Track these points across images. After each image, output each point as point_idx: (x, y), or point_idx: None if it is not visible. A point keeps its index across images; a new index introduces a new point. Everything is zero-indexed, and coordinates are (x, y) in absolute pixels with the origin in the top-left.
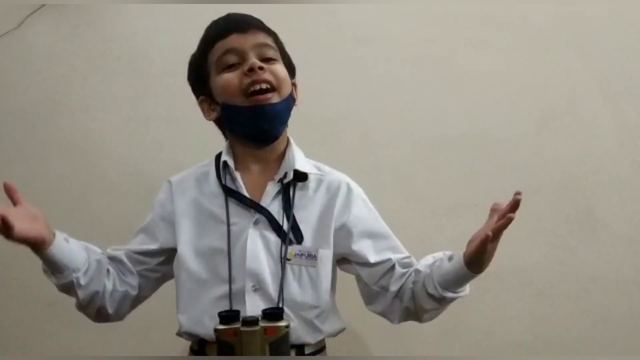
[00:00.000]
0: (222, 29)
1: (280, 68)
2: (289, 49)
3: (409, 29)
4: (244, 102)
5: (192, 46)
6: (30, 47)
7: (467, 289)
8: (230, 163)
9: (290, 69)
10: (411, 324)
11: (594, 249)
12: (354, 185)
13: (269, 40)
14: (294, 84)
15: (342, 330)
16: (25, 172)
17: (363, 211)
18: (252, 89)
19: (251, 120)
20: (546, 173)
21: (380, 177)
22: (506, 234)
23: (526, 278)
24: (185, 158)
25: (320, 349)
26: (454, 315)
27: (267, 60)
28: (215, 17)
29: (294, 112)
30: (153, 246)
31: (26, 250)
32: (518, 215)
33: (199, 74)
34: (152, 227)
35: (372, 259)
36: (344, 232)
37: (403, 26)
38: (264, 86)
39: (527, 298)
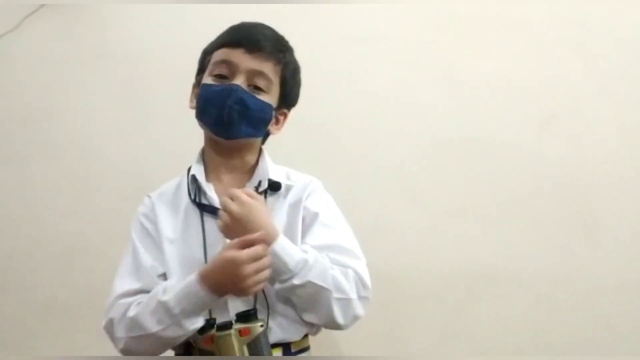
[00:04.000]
0: (236, 38)
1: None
2: None
3: (409, 30)
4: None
5: (191, 47)
6: (28, 48)
7: None
8: (200, 176)
9: (288, 98)
10: (409, 326)
11: (595, 252)
12: (319, 183)
13: (269, 71)
14: (284, 114)
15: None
16: (22, 173)
17: (322, 206)
18: None
19: (219, 100)
20: (547, 176)
21: (381, 180)
22: (506, 235)
23: (526, 281)
24: (183, 160)
25: (304, 348)
26: (452, 318)
27: (256, 88)
28: (215, 19)
29: (294, 114)
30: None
31: (24, 252)
32: (519, 218)
33: (201, 64)
34: (145, 241)
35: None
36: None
37: (404, 28)
38: None
39: (526, 301)
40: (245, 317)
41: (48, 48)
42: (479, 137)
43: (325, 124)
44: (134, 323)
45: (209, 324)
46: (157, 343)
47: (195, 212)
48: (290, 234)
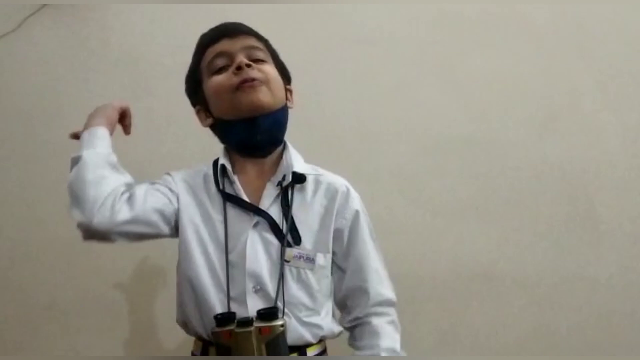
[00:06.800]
0: (213, 35)
1: (269, 68)
2: (291, 50)
3: (410, 30)
4: (236, 109)
5: (192, 47)
6: (29, 48)
7: None
8: (228, 167)
9: (285, 75)
10: (409, 327)
11: (596, 252)
12: (352, 189)
13: (259, 44)
14: (289, 90)
15: (340, 333)
16: (24, 173)
17: (359, 229)
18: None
19: (246, 133)
20: (548, 175)
21: (382, 179)
22: (508, 236)
23: (527, 281)
24: (185, 159)
25: (322, 351)
26: (454, 318)
27: (256, 61)
28: (216, 19)
29: (296, 114)
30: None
31: (25, 252)
32: (520, 217)
33: (194, 83)
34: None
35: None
36: (338, 234)
37: (404, 28)
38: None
39: (528, 301)
40: (267, 315)
41: (49, 48)
42: (479, 137)
43: (326, 124)
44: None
45: (229, 317)
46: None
47: (217, 203)
48: (320, 238)
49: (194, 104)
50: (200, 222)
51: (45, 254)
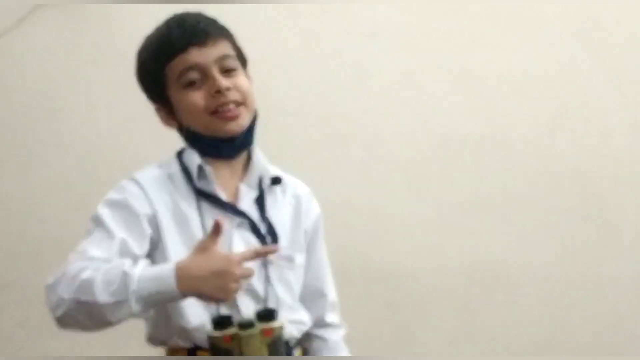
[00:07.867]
0: (180, 41)
1: (243, 80)
2: (296, 46)
3: (419, 26)
4: (211, 132)
5: None
6: (30, 46)
7: None
8: (208, 169)
9: (244, 63)
10: (417, 325)
11: (607, 249)
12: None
13: (228, 49)
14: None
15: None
16: (25, 171)
17: (320, 230)
18: (220, 110)
19: (217, 149)
20: (558, 172)
21: (390, 177)
22: (517, 234)
23: (536, 279)
24: None
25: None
26: (462, 317)
27: (229, 71)
28: (220, 16)
29: (302, 111)
30: (143, 249)
31: (28, 250)
32: (530, 214)
33: (154, 82)
34: (135, 226)
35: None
36: (305, 235)
37: (413, 24)
38: (231, 106)
39: (537, 299)
40: (266, 316)
41: (49, 47)
42: (489, 133)
43: (335, 120)
44: (85, 286)
45: (227, 320)
46: (95, 320)
47: (190, 201)
48: (295, 238)
49: (151, 99)
50: (175, 224)
51: (49, 251)
